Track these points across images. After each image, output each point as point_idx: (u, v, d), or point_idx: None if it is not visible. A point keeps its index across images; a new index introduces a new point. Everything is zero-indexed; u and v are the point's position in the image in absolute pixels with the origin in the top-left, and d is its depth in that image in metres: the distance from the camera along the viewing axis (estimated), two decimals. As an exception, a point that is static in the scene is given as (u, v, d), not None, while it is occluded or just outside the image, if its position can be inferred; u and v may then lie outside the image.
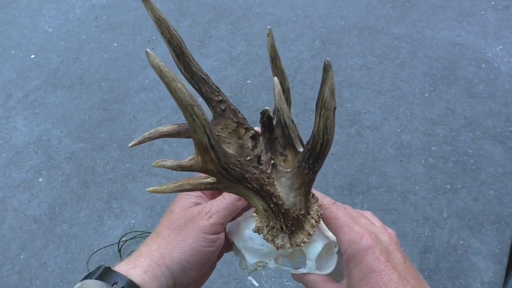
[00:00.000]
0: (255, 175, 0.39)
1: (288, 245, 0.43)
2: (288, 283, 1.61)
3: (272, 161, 0.44)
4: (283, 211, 0.41)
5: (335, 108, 0.38)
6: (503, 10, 2.44)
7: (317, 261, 0.46)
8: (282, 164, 0.44)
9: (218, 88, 0.47)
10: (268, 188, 0.40)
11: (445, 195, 1.77)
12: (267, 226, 0.44)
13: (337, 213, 0.44)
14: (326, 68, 0.35)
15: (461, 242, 1.64)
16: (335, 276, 0.47)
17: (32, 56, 2.73)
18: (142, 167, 2.04)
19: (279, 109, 0.41)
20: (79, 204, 1.96)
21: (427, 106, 2.08)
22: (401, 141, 1.97)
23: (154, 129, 0.46)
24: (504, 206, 1.71)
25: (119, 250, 1.76)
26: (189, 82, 0.45)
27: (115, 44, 2.69)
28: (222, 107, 0.47)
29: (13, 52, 2.78)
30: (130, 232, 1.82)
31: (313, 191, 0.47)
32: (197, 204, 0.47)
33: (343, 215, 0.43)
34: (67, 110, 2.36)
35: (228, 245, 0.51)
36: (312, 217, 0.45)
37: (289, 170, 0.43)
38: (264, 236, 0.44)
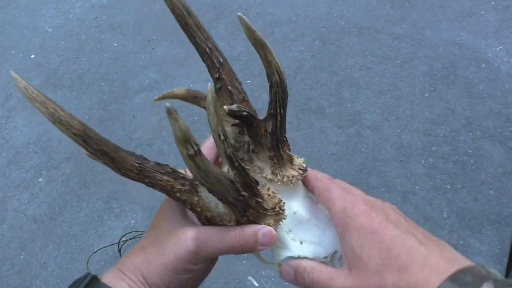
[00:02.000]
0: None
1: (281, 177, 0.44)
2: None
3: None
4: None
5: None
6: (503, 10, 2.44)
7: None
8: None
9: (221, 63, 0.45)
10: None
11: (445, 195, 1.77)
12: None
13: (330, 185, 0.43)
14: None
15: (461, 242, 1.64)
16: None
17: (32, 56, 2.73)
18: (142, 167, 2.04)
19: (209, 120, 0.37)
20: (79, 204, 1.96)
21: (427, 106, 2.08)
22: (401, 141, 1.97)
23: (171, 90, 0.47)
24: (504, 206, 1.71)
25: (119, 250, 1.76)
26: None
27: (115, 44, 2.69)
28: (218, 85, 0.46)
29: (13, 52, 2.78)
30: (130, 232, 1.82)
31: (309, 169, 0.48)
32: (184, 214, 0.44)
33: (336, 187, 0.43)
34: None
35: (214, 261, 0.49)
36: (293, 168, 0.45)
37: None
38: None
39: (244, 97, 0.47)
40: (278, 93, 0.41)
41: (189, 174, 0.41)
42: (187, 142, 0.34)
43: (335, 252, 0.45)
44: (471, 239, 1.64)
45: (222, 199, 0.40)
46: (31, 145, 2.24)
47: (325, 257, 0.45)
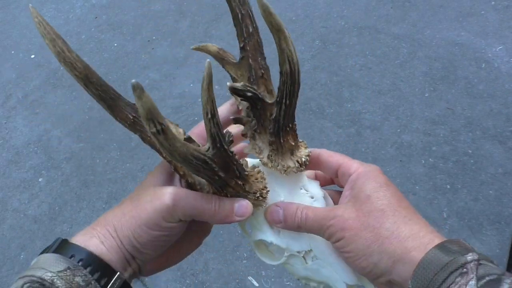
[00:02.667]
0: None
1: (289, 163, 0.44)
2: (288, 283, 1.61)
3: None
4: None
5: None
6: (503, 10, 2.44)
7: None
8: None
9: (250, 33, 0.45)
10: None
11: (445, 195, 1.77)
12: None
13: (337, 153, 0.46)
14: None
15: (461, 242, 1.64)
16: None
17: (32, 56, 2.73)
18: (142, 167, 2.04)
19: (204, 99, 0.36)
20: (79, 204, 1.96)
21: (427, 106, 2.08)
22: (401, 141, 1.97)
23: (205, 44, 0.47)
24: (504, 206, 1.71)
25: (119, 250, 1.76)
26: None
27: (115, 44, 2.69)
28: (241, 55, 0.46)
29: (13, 52, 2.78)
30: (130, 232, 1.82)
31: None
32: (169, 180, 0.43)
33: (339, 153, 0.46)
34: (67, 110, 2.36)
35: (207, 229, 0.48)
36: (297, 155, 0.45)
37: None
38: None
39: (263, 73, 0.46)
40: (287, 83, 0.39)
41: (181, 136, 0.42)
42: (149, 120, 0.33)
43: (310, 250, 0.44)
44: (471, 239, 1.64)
45: (195, 174, 0.40)
46: (31, 145, 2.24)
47: (298, 252, 0.45)
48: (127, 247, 0.40)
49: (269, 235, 0.45)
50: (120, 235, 0.39)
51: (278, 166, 0.44)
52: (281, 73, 0.40)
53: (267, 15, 0.37)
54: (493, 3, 2.48)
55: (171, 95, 2.32)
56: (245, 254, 1.66)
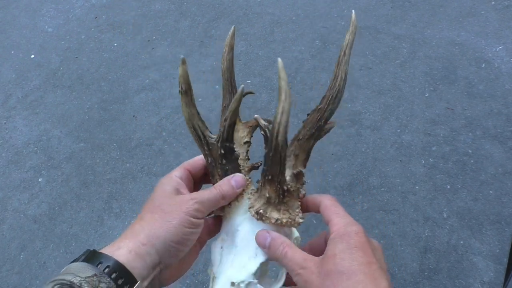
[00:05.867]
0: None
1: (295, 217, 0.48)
2: (288, 283, 1.61)
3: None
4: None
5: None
6: (503, 10, 2.44)
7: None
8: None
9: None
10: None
11: (445, 195, 1.77)
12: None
13: (335, 203, 0.49)
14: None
15: (461, 242, 1.64)
16: None
17: (32, 56, 2.73)
18: (142, 167, 2.04)
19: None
20: (79, 204, 1.96)
21: (427, 106, 2.08)
22: (401, 141, 1.97)
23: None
24: (504, 206, 1.71)
25: (119, 250, 1.76)
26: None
27: (115, 44, 2.69)
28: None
29: (13, 52, 2.78)
30: (130, 232, 1.82)
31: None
32: (178, 192, 0.49)
33: (339, 207, 0.48)
34: (67, 110, 2.36)
35: (211, 231, 0.54)
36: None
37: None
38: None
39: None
40: (269, 152, 0.45)
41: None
42: (179, 82, 0.47)
43: (242, 282, 0.47)
44: (471, 239, 1.64)
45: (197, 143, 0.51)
46: (31, 145, 2.24)
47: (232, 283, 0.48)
48: (159, 250, 0.44)
49: (217, 255, 0.51)
50: (153, 240, 0.44)
51: (252, 206, 0.49)
52: (265, 139, 0.48)
53: (281, 79, 0.43)
54: (493, 3, 2.48)
55: (171, 95, 2.32)
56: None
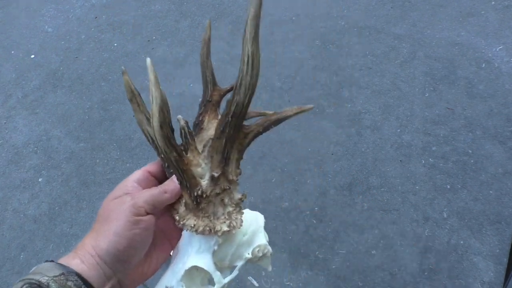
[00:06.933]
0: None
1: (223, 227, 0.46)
2: (288, 283, 1.61)
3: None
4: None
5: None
6: (503, 10, 2.44)
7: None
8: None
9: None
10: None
11: (445, 195, 1.77)
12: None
13: None
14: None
15: (461, 242, 1.64)
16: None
17: (32, 56, 2.73)
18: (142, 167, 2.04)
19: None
20: (79, 204, 1.96)
21: (427, 106, 2.08)
22: (401, 141, 1.97)
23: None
24: (504, 206, 1.71)
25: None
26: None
27: (115, 44, 2.69)
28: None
29: (13, 52, 2.78)
30: (130, 232, 1.82)
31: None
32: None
33: None
34: (67, 110, 2.36)
35: (176, 234, 0.52)
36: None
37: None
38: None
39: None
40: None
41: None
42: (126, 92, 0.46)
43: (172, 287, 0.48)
44: (471, 239, 1.64)
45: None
46: (31, 145, 2.24)
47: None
48: (107, 261, 0.43)
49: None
50: (98, 252, 0.43)
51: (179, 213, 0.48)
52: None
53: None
54: (493, 3, 2.48)
55: (171, 95, 2.32)
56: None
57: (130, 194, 0.46)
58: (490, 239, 1.63)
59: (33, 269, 0.42)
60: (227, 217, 0.46)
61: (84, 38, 2.77)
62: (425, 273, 1.58)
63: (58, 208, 1.96)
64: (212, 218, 0.45)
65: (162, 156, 0.44)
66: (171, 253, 0.52)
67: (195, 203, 0.45)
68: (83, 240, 0.45)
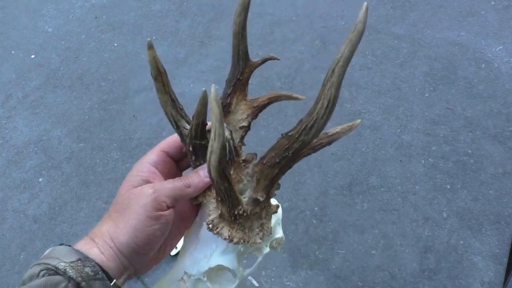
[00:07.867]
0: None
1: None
2: (288, 283, 1.61)
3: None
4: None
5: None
6: (503, 10, 2.44)
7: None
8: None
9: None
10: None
11: (445, 195, 1.77)
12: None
13: None
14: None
15: (461, 242, 1.64)
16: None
17: (32, 56, 2.73)
18: (142, 167, 2.04)
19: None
20: (79, 204, 1.96)
21: (427, 106, 2.08)
22: (401, 141, 1.97)
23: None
24: (504, 206, 1.71)
25: (119, 250, 1.76)
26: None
27: (115, 44, 2.69)
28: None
29: (13, 52, 2.78)
30: (130, 232, 1.82)
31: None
32: (147, 183, 0.46)
33: None
34: (67, 110, 2.36)
35: (188, 221, 0.51)
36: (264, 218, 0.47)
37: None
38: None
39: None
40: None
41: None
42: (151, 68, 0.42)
43: (193, 275, 0.47)
44: (471, 239, 1.64)
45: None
46: (31, 145, 2.24)
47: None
48: (125, 254, 0.43)
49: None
50: (117, 244, 0.42)
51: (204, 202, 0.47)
52: None
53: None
54: (493, 3, 2.48)
55: (171, 95, 2.32)
56: (245, 255, 1.66)
57: (151, 185, 0.44)
58: (490, 239, 1.63)
59: (47, 251, 0.41)
60: (261, 228, 0.46)
61: (84, 38, 2.77)
62: (425, 273, 1.58)
63: (58, 208, 1.96)
64: (247, 231, 0.45)
65: (213, 184, 0.42)
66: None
67: (232, 218, 0.43)
68: (100, 226, 0.44)
